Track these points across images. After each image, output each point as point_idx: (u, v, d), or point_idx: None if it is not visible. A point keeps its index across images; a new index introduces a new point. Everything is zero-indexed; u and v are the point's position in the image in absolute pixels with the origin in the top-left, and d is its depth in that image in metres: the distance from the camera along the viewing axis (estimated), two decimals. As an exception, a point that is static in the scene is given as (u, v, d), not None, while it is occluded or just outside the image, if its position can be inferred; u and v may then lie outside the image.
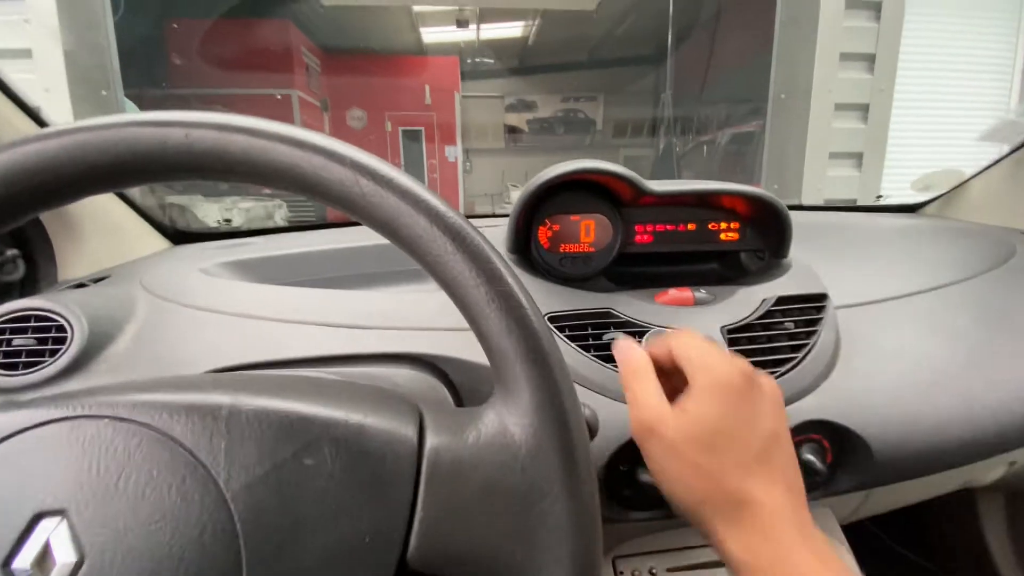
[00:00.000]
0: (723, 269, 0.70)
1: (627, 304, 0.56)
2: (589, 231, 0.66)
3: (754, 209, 0.63)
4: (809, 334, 0.55)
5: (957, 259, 0.73)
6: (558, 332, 0.53)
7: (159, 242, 0.90)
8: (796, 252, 0.66)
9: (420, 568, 0.23)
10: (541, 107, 9.39)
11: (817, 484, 0.52)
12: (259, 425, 0.23)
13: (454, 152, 8.12)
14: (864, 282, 0.66)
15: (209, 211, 3.90)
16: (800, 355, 0.53)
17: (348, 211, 0.26)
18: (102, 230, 0.76)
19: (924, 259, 0.74)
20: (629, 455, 0.48)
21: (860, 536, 1.02)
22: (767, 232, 0.65)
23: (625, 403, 0.49)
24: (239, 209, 4.17)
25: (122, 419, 0.23)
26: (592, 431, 0.33)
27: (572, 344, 0.52)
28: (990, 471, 0.67)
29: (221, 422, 0.23)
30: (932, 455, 0.52)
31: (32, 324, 0.53)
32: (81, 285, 0.66)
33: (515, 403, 0.25)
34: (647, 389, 0.36)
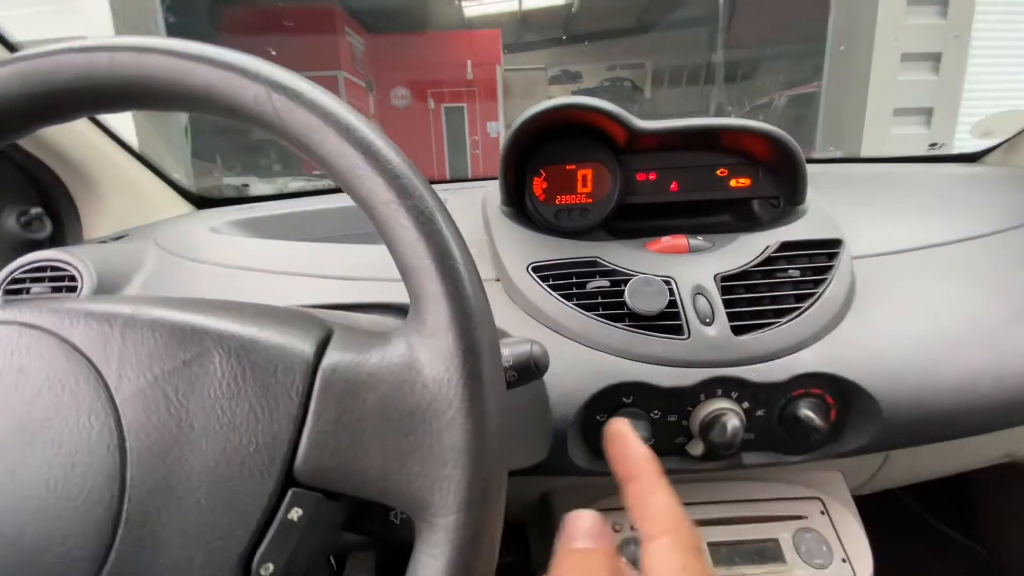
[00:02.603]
0: (735, 220, 0.65)
1: (615, 252, 0.53)
2: (586, 181, 0.63)
3: (765, 150, 0.58)
4: (817, 282, 0.50)
5: (1010, 207, 0.64)
6: (541, 282, 0.51)
7: (184, 207, 0.95)
8: (827, 203, 0.60)
9: (307, 481, 0.22)
10: (586, 77, 9.10)
11: (817, 443, 0.48)
12: (152, 333, 0.23)
13: (496, 127, 8.04)
14: (896, 231, 0.60)
15: (264, 191, 4.08)
16: (805, 305, 0.48)
17: (268, 130, 0.25)
18: (125, 193, 0.80)
19: (973, 207, 0.66)
20: (606, 404, 0.46)
21: (892, 509, 0.96)
22: (781, 176, 0.59)
23: (606, 353, 0.47)
24: (290, 189, 4.34)
25: (28, 325, 0.23)
26: (540, 368, 0.31)
27: (554, 294, 0.50)
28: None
29: (117, 328, 0.23)
30: (953, 417, 0.47)
31: (48, 274, 0.57)
32: (103, 243, 0.70)
33: (423, 323, 0.24)
34: None
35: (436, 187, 0.90)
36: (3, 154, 0.65)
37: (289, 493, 0.22)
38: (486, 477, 0.22)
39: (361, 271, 0.57)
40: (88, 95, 0.25)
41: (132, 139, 0.84)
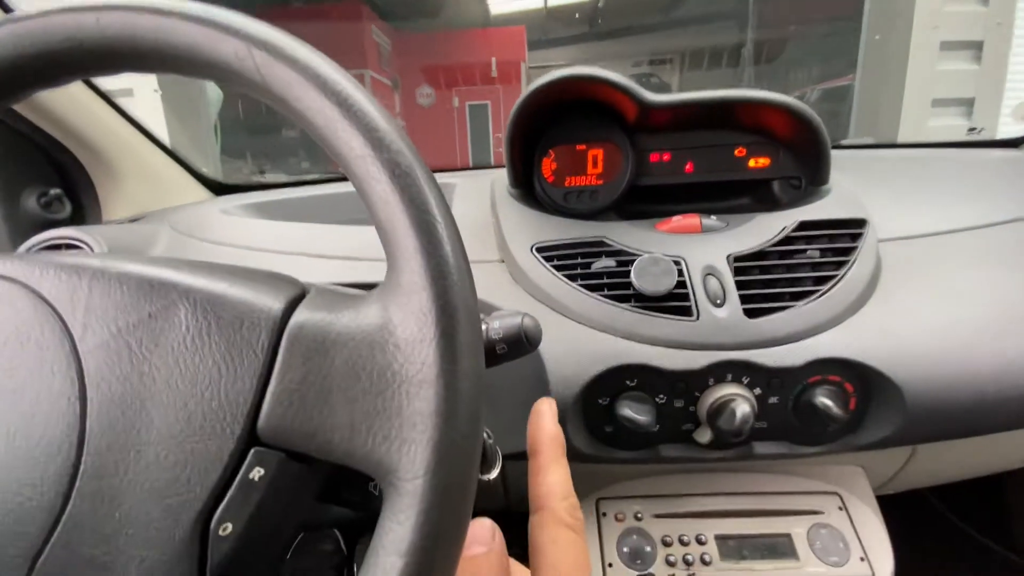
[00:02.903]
0: (754, 203, 0.63)
1: (623, 232, 0.51)
2: (597, 161, 0.61)
3: (786, 126, 0.55)
4: (839, 264, 0.47)
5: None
6: (545, 263, 0.50)
7: (203, 194, 0.96)
8: (852, 184, 0.57)
9: (270, 440, 0.21)
10: (612, 74, 8.97)
11: (834, 434, 0.46)
12: (120, 286, 0.22)
13: (520, 125, 7.99)
14: (927, 214, 0.56)
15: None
16: (825, 287, 0.46)
17: (252, 90, 0.24)
18: (144, 178, 0.81)
19: (1009, 191, 0.61)
20: (608, 387, 0.44)
21: (917, 510, 0.91)
22: (803, 154, 0.56)
23: (609, 334, 0.45)
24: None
25: (1, 276, 0.23)
26: (531, 341, 0.29)
27: (558, 274, 0.48)
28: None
29: (85, 280, 0.22)
30: (984, 409, 0.43)
31: (63, 251, 0.58)
32: (120, 224, 0.71)
33: (397, 281, 0.22)
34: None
35: (449, 173, 0.89)
36: (24, 135, 0.67)
37: (251, 452, 0.21)
38: (456, 440, 0.20)
39: (368, 251, 0.57)
40: (78, 58, 0.24)
41: (162, 134, 0.86)
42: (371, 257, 0.56)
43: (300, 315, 0.23)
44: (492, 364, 0.30)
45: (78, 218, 0.74)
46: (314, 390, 0.21)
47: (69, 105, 0.68)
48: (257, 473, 0.21)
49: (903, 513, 0.58)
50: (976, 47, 2.36)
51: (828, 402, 0.42)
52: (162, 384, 0.21)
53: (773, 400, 0.44)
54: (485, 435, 0.37)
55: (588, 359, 0.43)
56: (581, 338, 0.45)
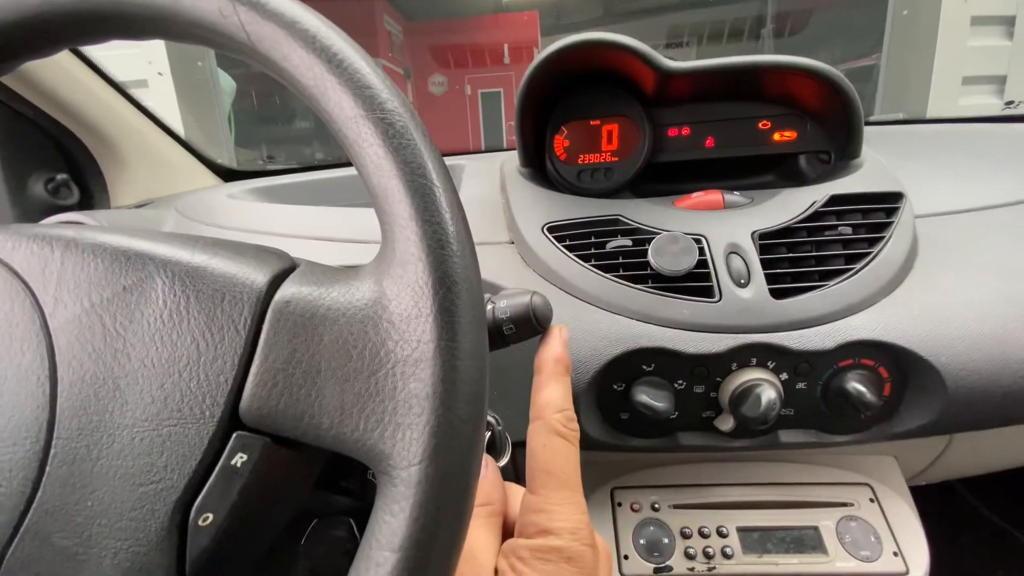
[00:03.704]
0: (779, 179, 0.59)
1: (640, 210, 0.48)
2: (611, 137, 0.58)
3: (815, 95, 0.52)
4: (873, 241, 0.44)
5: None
6: (557, 243, 0.47)
7: (212, 180, 0.95)
8: (889, 160, 0.53)
9: (254, 424, 0.19)
10: (626, 59, 8.82)
11: (867, 422, 0.43)
12: (94, 258, 0.21)
13: (533, 112, 7.90)
14: (966, 189, 0.53)
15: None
16: (858, 265, 0.42)
17: (240, 52, 0.22)
18: (151, 164, 0.80)
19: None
20: (623, 372, 0.42)
21: (949, 502, 0.87)
22: (832, 126, 0.53)
23: (625, 316, 0.43)
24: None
25: None
26: (540, 321, 0.27)
27: (571, 255, 0.46)
28: None
29: (58, 251, 0.21)
30: None
31: (67, 237, 0.57)
32: (128, 209, 0.71)
33: (392, 252, 0.20)
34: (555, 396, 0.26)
35: (459, 156, 0.87)
36: (30, 120, 0.66)
37: (233, 437, 0.19)
38: (455, 424, 0.18)
39: (370, 234, 0.55)
40: (58, 24, 0.23)
41: (177, 126, 0.85)
42: (376, 240, 0.54)
43: (287, 290, 0.21)
44: (500, 346, 0.28)
45: (86, 204, 0.73)
46: (301, 370, 0.19)
47: (74, 90, 0.67)
48: (240, 459, 0.19)
49: (935, 505, 0.55)
50: (1009, 22, 2.24)
51: (861, 388, 0.40)
52: (137, 363, 0.19)
53: (801, 386, 0.42)
54: (494, 421, 0.35)
55: (602, 342, 0.41)
56: (595, 321, 0.42)
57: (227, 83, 3.15)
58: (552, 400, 0.26)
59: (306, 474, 0.23)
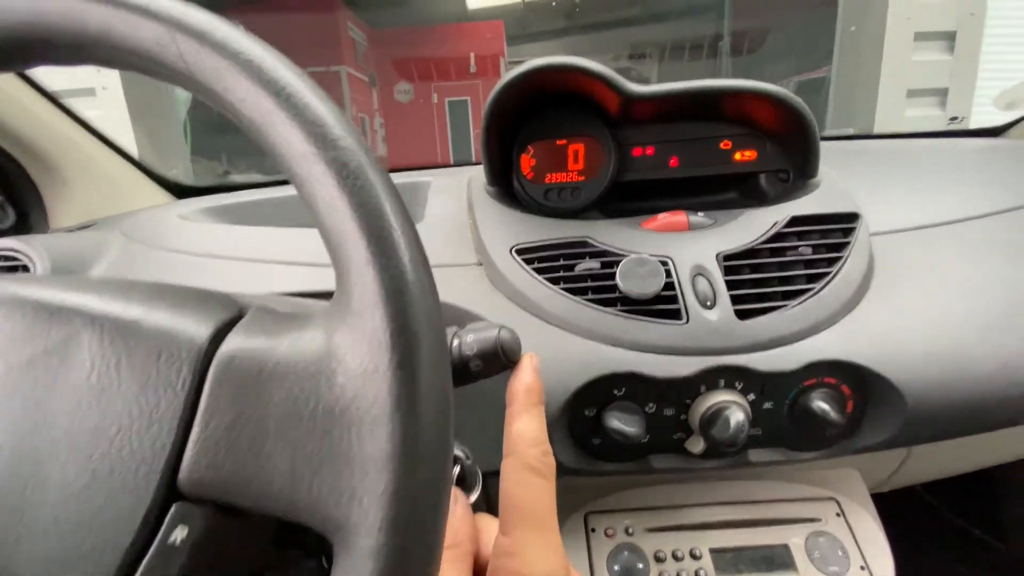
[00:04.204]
0: (742, 198, 0.60)
1: (607, 232, 0.48)
2: (578, 157, 0.58)
3: (773, 117, 0.53)
4: (831, 261, 0.45)
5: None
6: (525, 265, 0.46)
7: (164, 197, 0.91)
8: (840, 177, 0.55)
9: (195, 493, 0.18)
10: (591, 69, 8.96)
11: (832, 439, 0.44)
12: (12, 314, 0.19)
13: (500, 120, 7.92)
14: (918, 206, 0.55)
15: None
16: (818, 285, 0.43)
17: (178, 81, 0.21)
18: (95, 183, 0.76)
19: (1000, 179, 0.60)
20: (594, 398, 0.41)
21: (909, 506, 0.90)
22: (790, 146, 0.54)
23: (594, 341, 0.43)
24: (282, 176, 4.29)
25: None
26: (508, 357, 0.26)
27: (539, 277, 0.45)
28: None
29: None
30: (987, 407, 0.41)
31: (1, 264, 0.53)
32: (69, 232, 0.66)
33: (347, 300, 0.19)
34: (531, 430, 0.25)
35: (425, 171, 0.86)
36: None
37: (172, 508, 0.18)
38: (416, 490, 0.17)
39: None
40: None
41: (127, 138, 0.80)
42: None
43: (231, 343, 0.19)
44: (466, 382, 0.27)
45: (22, 227, 0.68)
46: (247, 433, 0.18)
47: (4, 105, 0.63)
48: (180, 534, 0.17)
49: (897, 510, 0.57)
50: (950, 37, 2.39)
51: (825, 407, 0.40)
52: (60, 433, 0.18)
53: (767, 405, 0.42)
54: (463, 455, 0.34)
55: (573, 369, 0.40)
56: (565, 346, 0.42)
57: (182, 91, 3.04)
58: (525, 433, 0.25)
59: (258, 539, 0.22)
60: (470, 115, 8.18)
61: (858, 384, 0.42)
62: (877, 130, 2.44)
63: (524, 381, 0.26)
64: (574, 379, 0.40)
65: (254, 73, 0.19)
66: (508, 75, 0.48)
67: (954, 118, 2.16)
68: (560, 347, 0.42)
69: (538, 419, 0.25)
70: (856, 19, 2.52)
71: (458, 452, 0.34)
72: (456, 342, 0.27)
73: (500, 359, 0.26)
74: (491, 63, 8.08)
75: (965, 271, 0.47)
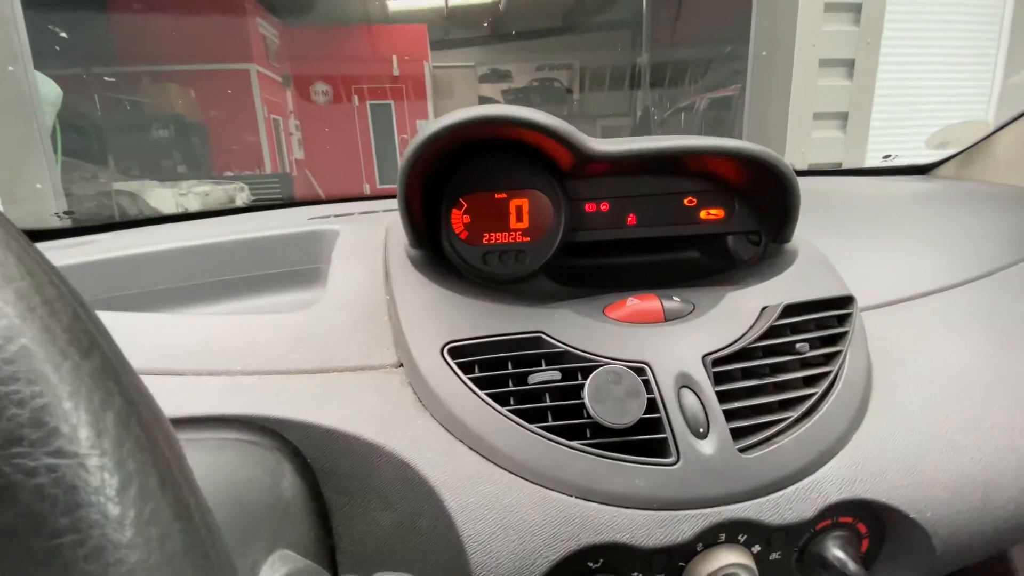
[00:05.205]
0: (706, 258, 0.53)
1: (567, 323, 0.38)
2: (521, 214, 0.47)
3: (745, 174, 0.45)
4: (829, 357, 0.37)
5: (1006, 235, 0.56)
6: (461, 373, 0.35)
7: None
8: (804, 232, 0.48)
9: None
10: (516, 77, 8.98)
11: (848, 586, 0.36)
12: None
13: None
14: (893, 270, 0.49)
15: (163, 198, 3.60)
16: (819, 391, 0.35)
17: None
18: None
19: (974, 237, 0.57)
20: (563, 575, 0.30)
21: None
22: (765, 207, 0.47)
23: (560, 492, 0.32)
24: (195, 194, 3.85)
25: None
26: None
27: (482, 393, 0.34)
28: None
29: None
30: (1020, 524, 0.35)
31: None
32: None
33: None
34: None
35: (336, 211, 0.72)
36: None
37: None
38: None
39: (183, 358, 0.38)
40: None
41: None
42: (190, 369, 0.37)
43: None
44: None
45: None
46: None
47: None
48: None
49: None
50: (849, 64, 2.56)
51: (842, 556, 0.32)
52: None
53: (775, 556, 0.33)
54: None
55: (531, 543, 0.29)
56: (520, 503, 0.30)
57: (50, 91, 2.63)
58: None
59: None
60: (394, 119, 7.91)
61: (873, 520, 0.34)
62: (788, 149, 2.57)
63: None
64: (534, 560, 0.29)
65: None
66: (434, 125, 0.37)
67: (887, 156, 2.31)
68: (514, 507, 0.30)
69: None
70: (767, 45, 2.65)
71: None
72: None
73: None
74: (415, 67, 7.88)
75: (962, 359, 0.41)
